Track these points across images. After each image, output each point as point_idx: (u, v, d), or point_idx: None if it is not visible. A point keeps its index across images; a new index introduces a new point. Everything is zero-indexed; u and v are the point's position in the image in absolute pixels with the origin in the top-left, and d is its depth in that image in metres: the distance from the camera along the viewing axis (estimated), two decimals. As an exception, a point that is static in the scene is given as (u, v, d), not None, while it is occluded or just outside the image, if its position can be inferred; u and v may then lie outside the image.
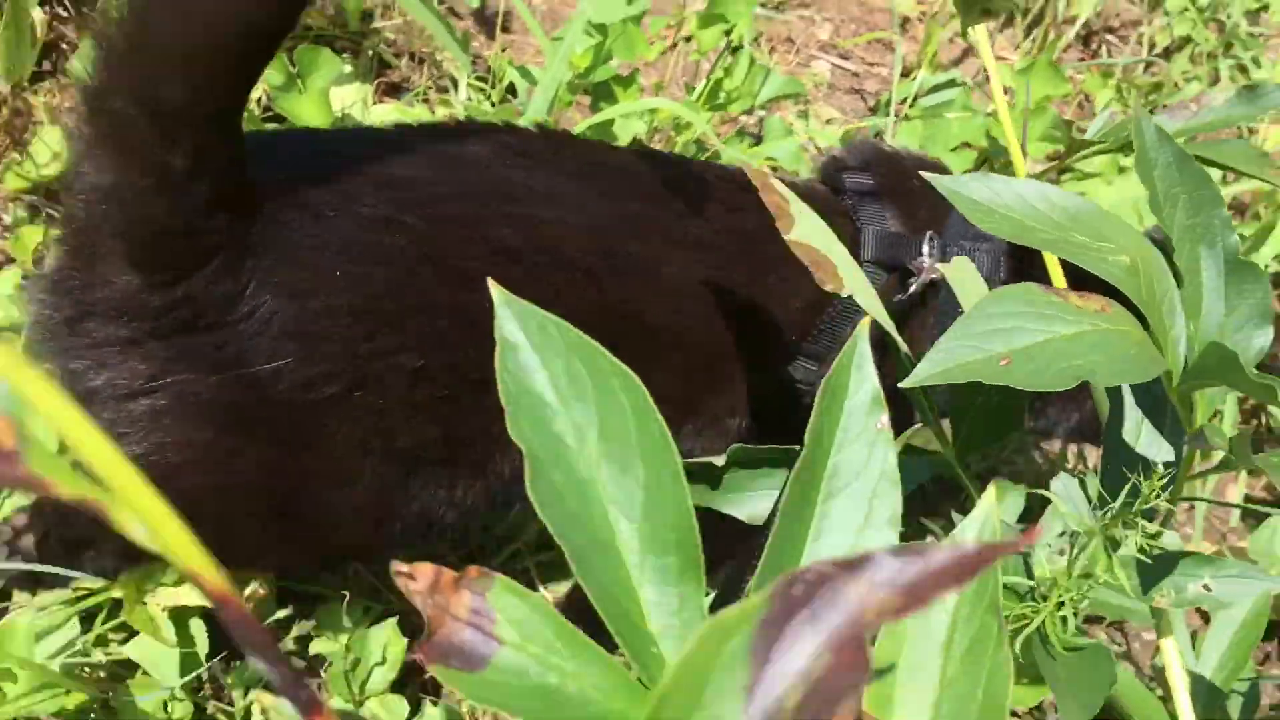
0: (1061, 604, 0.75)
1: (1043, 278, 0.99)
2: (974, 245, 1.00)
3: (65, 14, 1.34)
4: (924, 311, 1.02)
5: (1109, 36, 2.05)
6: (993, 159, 1.59)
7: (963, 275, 0.86)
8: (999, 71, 1.02)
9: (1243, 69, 1.95)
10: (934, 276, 0.98)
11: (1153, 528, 0.86)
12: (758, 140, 1.56)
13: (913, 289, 0.99)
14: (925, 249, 0.99)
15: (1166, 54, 2.00)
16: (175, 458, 0.75)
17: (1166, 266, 0.78)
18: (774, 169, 1.49)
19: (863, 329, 0.53)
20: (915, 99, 1.69)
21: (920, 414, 0.90)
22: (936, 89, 1.67)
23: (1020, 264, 1.01)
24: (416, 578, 0.40)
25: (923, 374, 0.65)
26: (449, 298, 0.80)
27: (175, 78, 0.66)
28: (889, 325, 0.83)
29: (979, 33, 1.04)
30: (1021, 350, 0.67)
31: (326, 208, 0.76)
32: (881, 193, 1.02)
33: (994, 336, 0.67)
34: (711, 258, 0.93)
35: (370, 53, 1.49)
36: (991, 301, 0.69)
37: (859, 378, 0.50)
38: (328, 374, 0.76)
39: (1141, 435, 0.95)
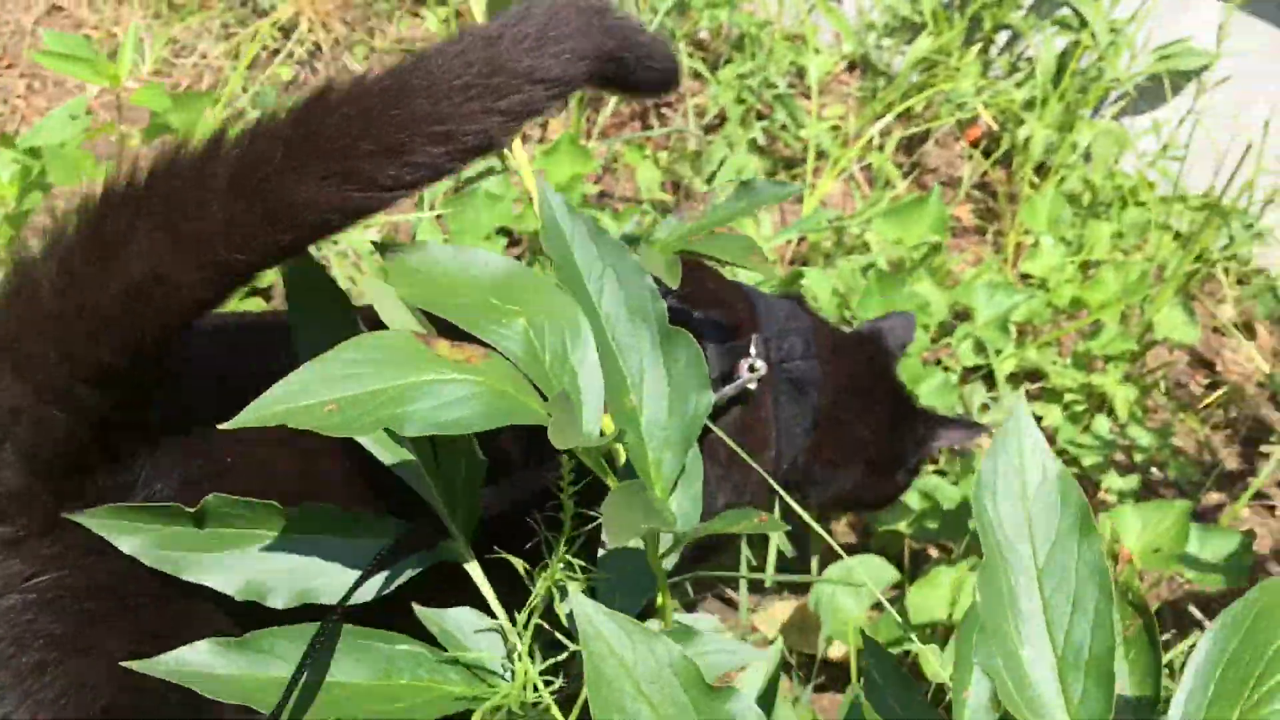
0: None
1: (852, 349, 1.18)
2: (786, 332, 1.11)
3: None
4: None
5: (664, 109, 2.08)
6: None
7: (384, 301, 0.82)
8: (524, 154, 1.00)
9: (784, 128, 2.02)
10: (757, 376, 1.04)
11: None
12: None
13: (730, 388, 1.03)
14: (753, 350, 1.05)
15: (723, 120, 2.06)
16: (36, 653, 0.75)
17: (586, 329, 0.77)
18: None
19: None
20: (459, 189, 1.63)
21: (427, 498, 0.83)
22: (470, 180, 1.61)
23: (831, 338, 1.17)
24: None
25: (247, 417, 0.63)
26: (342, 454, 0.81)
27: (98, 339, 0.69)
28: None
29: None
30: (352, 398, 0.66)
31: (204, 393, 0.78)
32: (694, 304, 1.06)
33: (341, 382, 0.66)
34: None
35: None
36: (350, 347, 0.68)
37: None
38: None
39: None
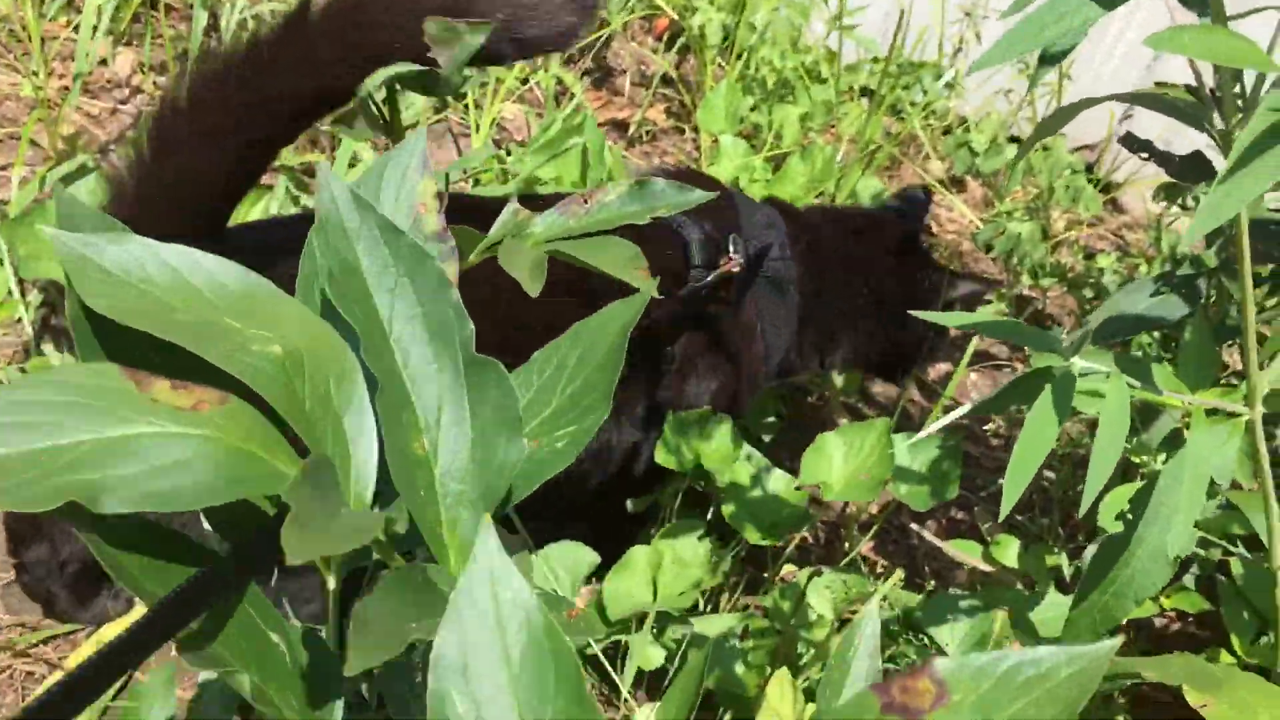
0: None
1: (825, 253, 1.31)
2: (763, 235, 1.26)
3: None
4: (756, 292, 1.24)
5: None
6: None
7: None
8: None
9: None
10: (735, 269, 1.18)
11: None
12: None
13: (710, 278, 1.17)
14: (732, 248, 1.19)
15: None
16: None
17: (354, 365, 0.62)
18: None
19: None
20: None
21: None
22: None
23: (799, 243, 1.28)
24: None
25: None
26: None
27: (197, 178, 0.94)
28: None
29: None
30: (24, 455, 0.50)
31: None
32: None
33: (9, 432, 0.50)
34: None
35: None
36: (24, 386, 0.53)
37: None
38: None
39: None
